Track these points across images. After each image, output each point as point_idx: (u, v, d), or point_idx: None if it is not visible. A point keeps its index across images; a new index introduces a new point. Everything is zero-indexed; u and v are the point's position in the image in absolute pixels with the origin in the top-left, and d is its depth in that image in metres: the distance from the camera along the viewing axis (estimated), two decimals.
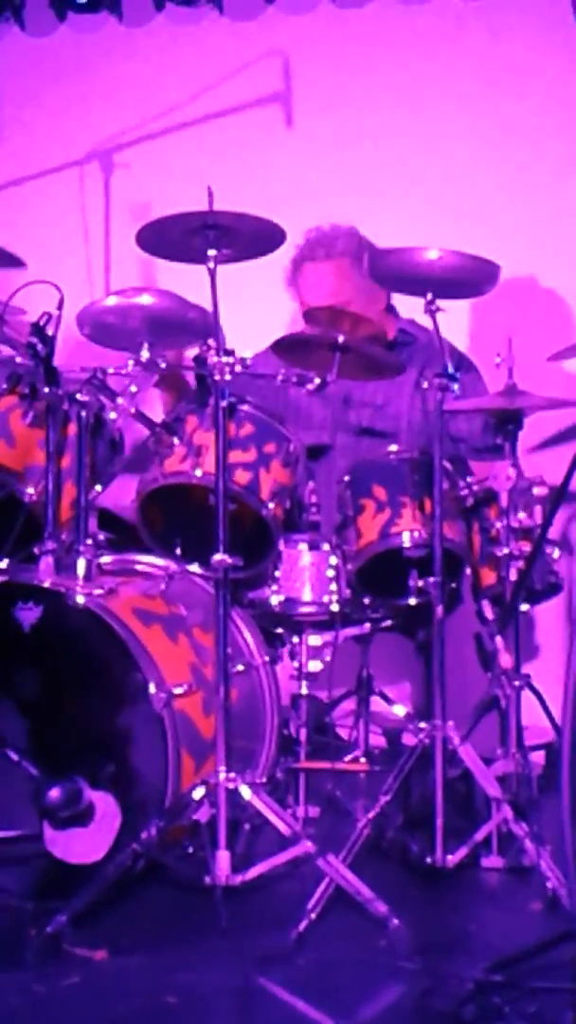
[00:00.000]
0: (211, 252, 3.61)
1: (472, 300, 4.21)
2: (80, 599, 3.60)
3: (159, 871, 3.55)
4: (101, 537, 3.81)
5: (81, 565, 3.72)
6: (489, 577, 4.12)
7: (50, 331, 3.78)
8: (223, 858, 3.45)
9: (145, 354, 3.80)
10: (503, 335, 4.05)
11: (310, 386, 3.91)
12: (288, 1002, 3.13)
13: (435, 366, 3.87)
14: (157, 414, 3.93)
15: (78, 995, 3.13)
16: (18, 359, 3.86)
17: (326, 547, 4.05)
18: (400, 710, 4.56)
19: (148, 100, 5.51)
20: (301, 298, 4.78)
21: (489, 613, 4.01)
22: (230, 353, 3.65)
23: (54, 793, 3.45)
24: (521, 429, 4.08)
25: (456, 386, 3.83)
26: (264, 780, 3.81)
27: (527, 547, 4.00)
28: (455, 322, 4.32)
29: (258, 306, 4.82)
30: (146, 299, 3.85)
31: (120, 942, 3.34)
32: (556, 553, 4.15)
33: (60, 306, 3.78)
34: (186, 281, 3.76)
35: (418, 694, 4.87)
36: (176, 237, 3.65)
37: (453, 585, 4.15)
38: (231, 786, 3.49)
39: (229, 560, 3.59)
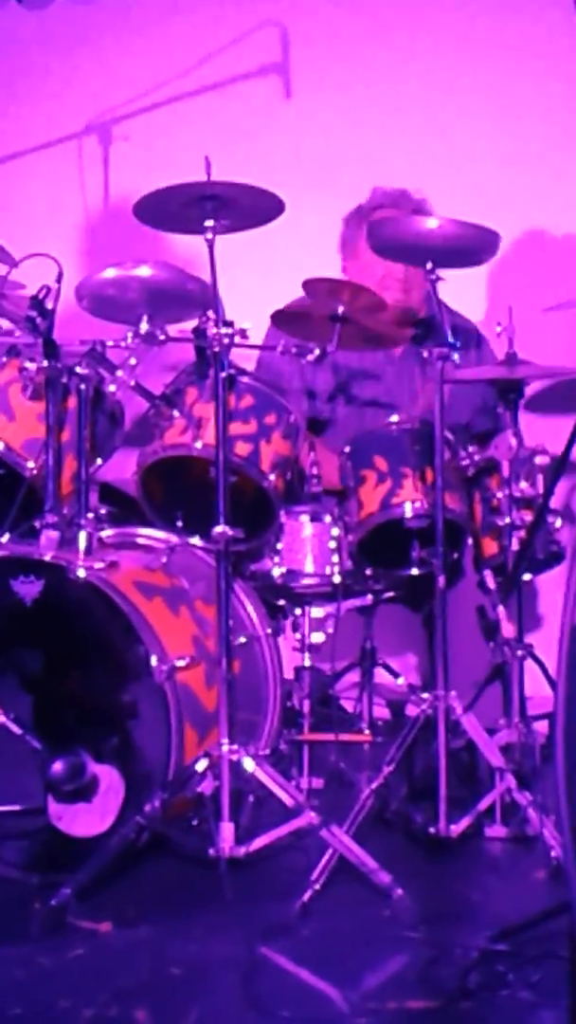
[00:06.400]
0: (209, 223, 3.60)
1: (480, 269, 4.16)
2: (81, 573, 3.60)
3: (163, 843, 3.56)
4: (102, 511, 3.80)
5: (82, 539, 3.71)
6: (491, 547, 4.12)
7: (49, 304, 3.77)
8: (227, 830, 3.46)
9: (144, 326, 3.79)
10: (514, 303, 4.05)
11: (310, 357, 3.90)
12: (292, 972, 3.14)
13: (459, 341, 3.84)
14: (157, 386, 3.92)
15: (83, 967, 3.14)
16: (17, 333, 3.86)
17: (328, 518, 4.04)
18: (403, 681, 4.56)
19: (146, 72, 5.48)
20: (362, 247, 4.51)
21: (491, 583, 4.01)
22: (229, 324, 3.65)
23: (57, 767, 3.45)
24: (522, 398, 4.07)
25: (456, 356, 3.82)
26: (267, 752, 3.81)
27: (529, 517, 4.00)
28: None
29: (257, 277, 4.80)
30: (145, 271, 3.83)
31: (124, 914, 3.35)
32: (558, 522, 4.13)
33: (59, 279, 3.77)
34: (186, 253, 3.74)
35: (422, 665, 4.87)
36: (174, 208, 3.64)
37: (455, 555, 4.15)
38: (234, 758, 3.49)
39: (230, 532, 3.58)
